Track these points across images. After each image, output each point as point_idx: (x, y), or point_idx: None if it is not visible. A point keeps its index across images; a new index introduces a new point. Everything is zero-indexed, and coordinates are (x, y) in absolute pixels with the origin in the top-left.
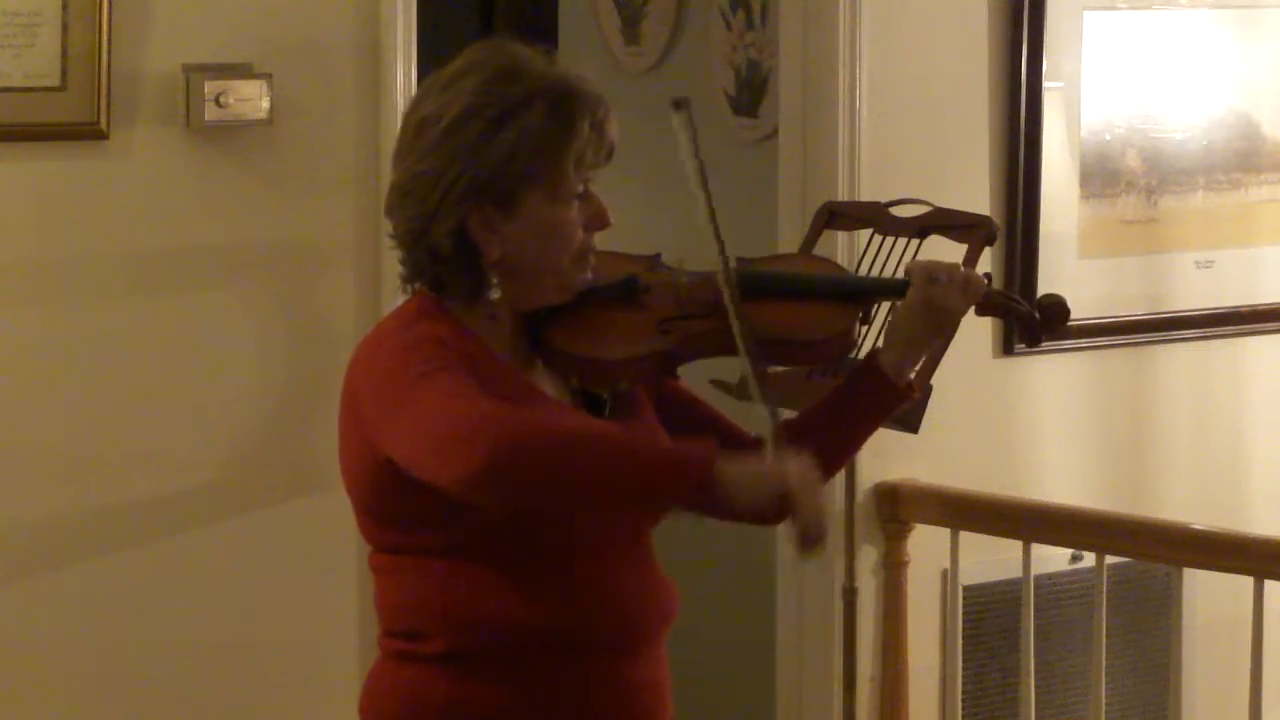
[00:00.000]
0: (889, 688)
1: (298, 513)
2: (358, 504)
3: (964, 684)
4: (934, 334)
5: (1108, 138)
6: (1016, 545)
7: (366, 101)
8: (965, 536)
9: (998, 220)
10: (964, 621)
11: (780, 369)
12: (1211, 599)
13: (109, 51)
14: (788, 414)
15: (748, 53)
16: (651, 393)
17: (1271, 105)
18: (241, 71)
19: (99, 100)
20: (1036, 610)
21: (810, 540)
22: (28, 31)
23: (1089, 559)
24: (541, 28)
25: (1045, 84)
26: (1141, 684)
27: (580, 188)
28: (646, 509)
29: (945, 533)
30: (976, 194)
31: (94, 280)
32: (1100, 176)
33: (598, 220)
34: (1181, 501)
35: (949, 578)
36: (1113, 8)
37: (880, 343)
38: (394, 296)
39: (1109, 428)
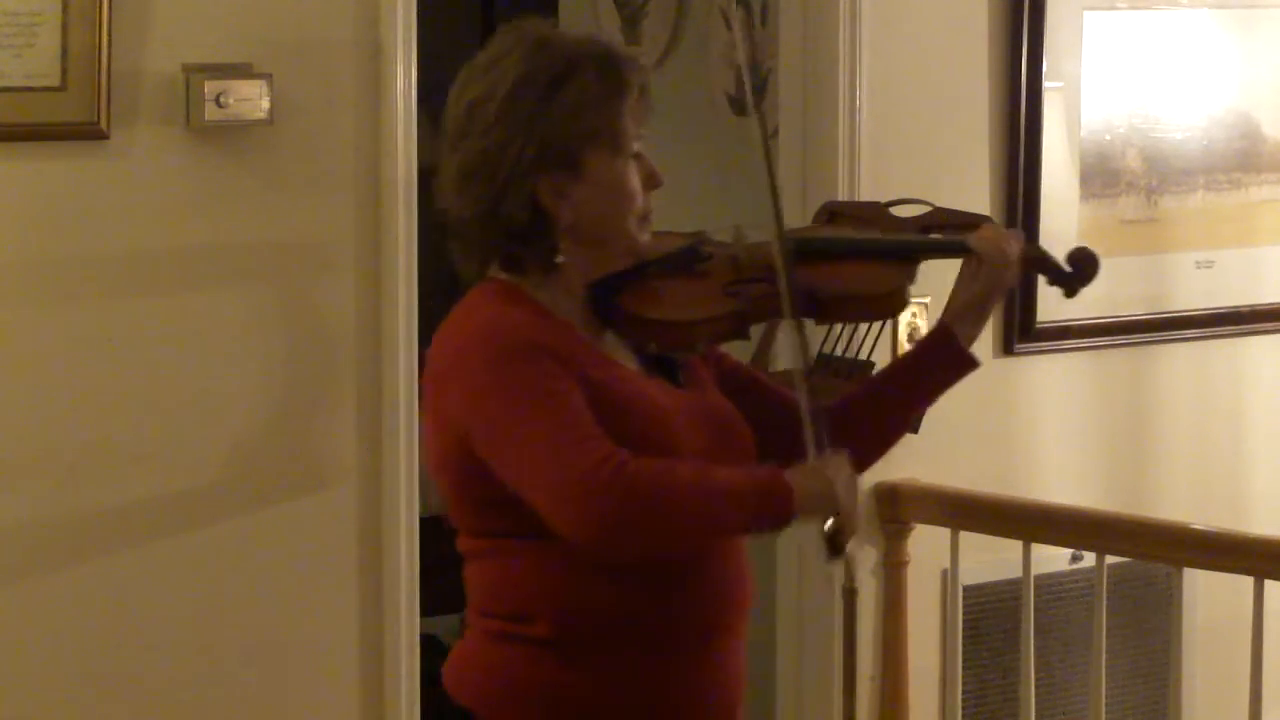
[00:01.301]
0: (889, 688)
1: (298, 512)
2: (448, 491)
3: (964, 684)
4: (996, 300)
5: (1108, 138)
6: (1016, 545)
7: (366, 101)
8: (965, 536)
9: (998, 220)
10: (964, 621)
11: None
12: (1211, 599)
13: (109, 51)
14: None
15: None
16: (709, 364)
17: (1271, 105)
18: (241, 71)
19: (99, 100)
20: (1036, 610)
21: (843, 545)
22: (28, 31)
23: (1089, 559)
24: None
25: (1045, 84)
26: (1141, 684)
27: (636, 145)
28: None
29: (945, 533)
30: (976, 194)
31: (94, 280)
32: (1100, 176)
33: (651, 180)
34: (1181, 501)
35: (949, 578)
36: (1113, 8)
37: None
38: (394, 296)
39: (1109, 428)
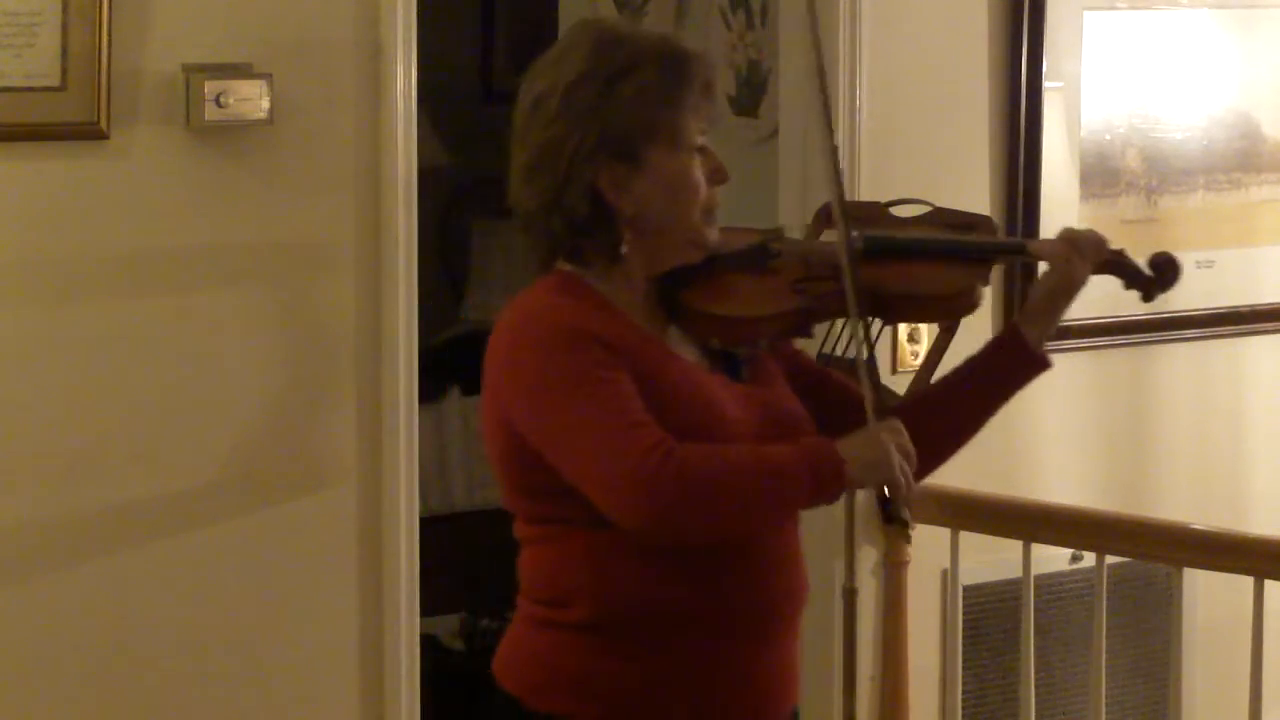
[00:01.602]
0: (889, 688)
1: (298, 512)
2: (503, 478)
3: (964, 684)
4: (1068, 300)
5: (1108, 138)
6: (1016, 545)
7: (366, 101)
8: (965, 536)
9: (998, 220)
10: (964, 621)
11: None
12: (1211, 599)
13: (109, 51)
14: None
15: (748, 53)
16: (780, 359)
17: (1271, 105)
18: (241, 71)
19: (99, 100)
20: (1036, 610)
21: (897, 513)
22: (28, 31)
23: (1089, 559)
24: (542, 27)
25: (1045, 84)
26: (1141, 684)
27: (700, 140)
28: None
29: (945, 533)
30: (976, 194)
31: (94, 280)
32: (1100, 176)
33: (717, 174)
34: (1181, 501)
35: (949, 578)
36: (1113, 8)
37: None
38: (394, 296)
39: (1109, 428)
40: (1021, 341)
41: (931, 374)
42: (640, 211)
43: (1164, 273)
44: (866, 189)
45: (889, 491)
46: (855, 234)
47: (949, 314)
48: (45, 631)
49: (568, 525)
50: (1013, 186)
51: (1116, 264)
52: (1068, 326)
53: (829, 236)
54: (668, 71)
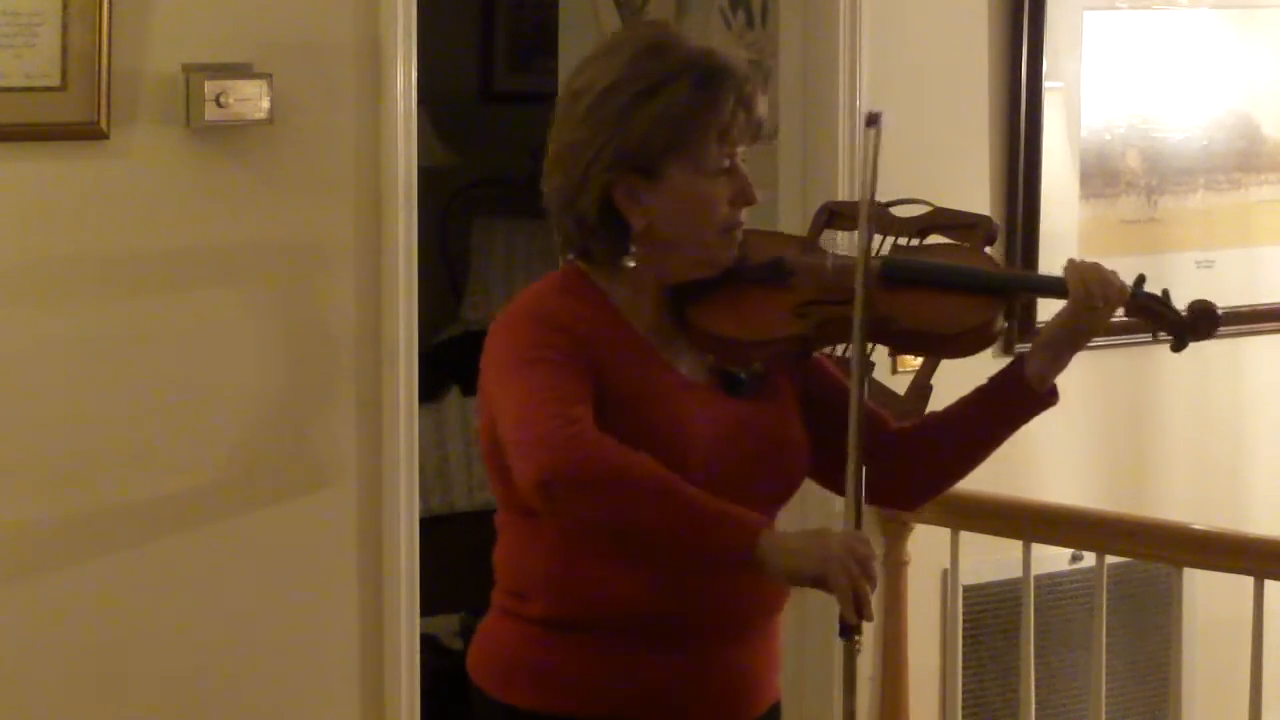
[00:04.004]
0: (889, 688)
1: (298, 512)
2: (488, 465)
3: (964, 684)
4: (1080, 342)
5: (1108, 138)
6: (1016, 545)
7: (366, 101)
8: (965, 536)
9: (998, 220)
10: (964, 621)
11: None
12: (1211, 599)
13: (109, 51)
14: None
15: (747, 53)
16: (795, 371)
17: (1271, 105)
18: (241, 71)
19: (99, 100)
20: (1036, 610)
21: (844, 628)
22: (28, 31)
23: (1089, 559)
24: (542, 28)
25: (1045, 84)
26: (1141, 684)
27: (726, 163)
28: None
29: (945, 533)
30: (976, 194)
31: (94, 280)
32: (1100, 176)
33: (743, 196)
34: (1181, 501)
35: (949, 578)
36: (1113, 8)
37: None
38: (394, 296)
39: (1109, 428)
40: (1022, 380)
41: (931, 374)
42: (651, 226)
43: (1201, 324)
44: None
45: (838, 599)
46: (879, 254)
47: (958, 353)
48: (45, 631)
49: (539, 519)
50: (1013, 186)
51: (1151, 310)
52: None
53: (825, 238)
54: (700, 90)
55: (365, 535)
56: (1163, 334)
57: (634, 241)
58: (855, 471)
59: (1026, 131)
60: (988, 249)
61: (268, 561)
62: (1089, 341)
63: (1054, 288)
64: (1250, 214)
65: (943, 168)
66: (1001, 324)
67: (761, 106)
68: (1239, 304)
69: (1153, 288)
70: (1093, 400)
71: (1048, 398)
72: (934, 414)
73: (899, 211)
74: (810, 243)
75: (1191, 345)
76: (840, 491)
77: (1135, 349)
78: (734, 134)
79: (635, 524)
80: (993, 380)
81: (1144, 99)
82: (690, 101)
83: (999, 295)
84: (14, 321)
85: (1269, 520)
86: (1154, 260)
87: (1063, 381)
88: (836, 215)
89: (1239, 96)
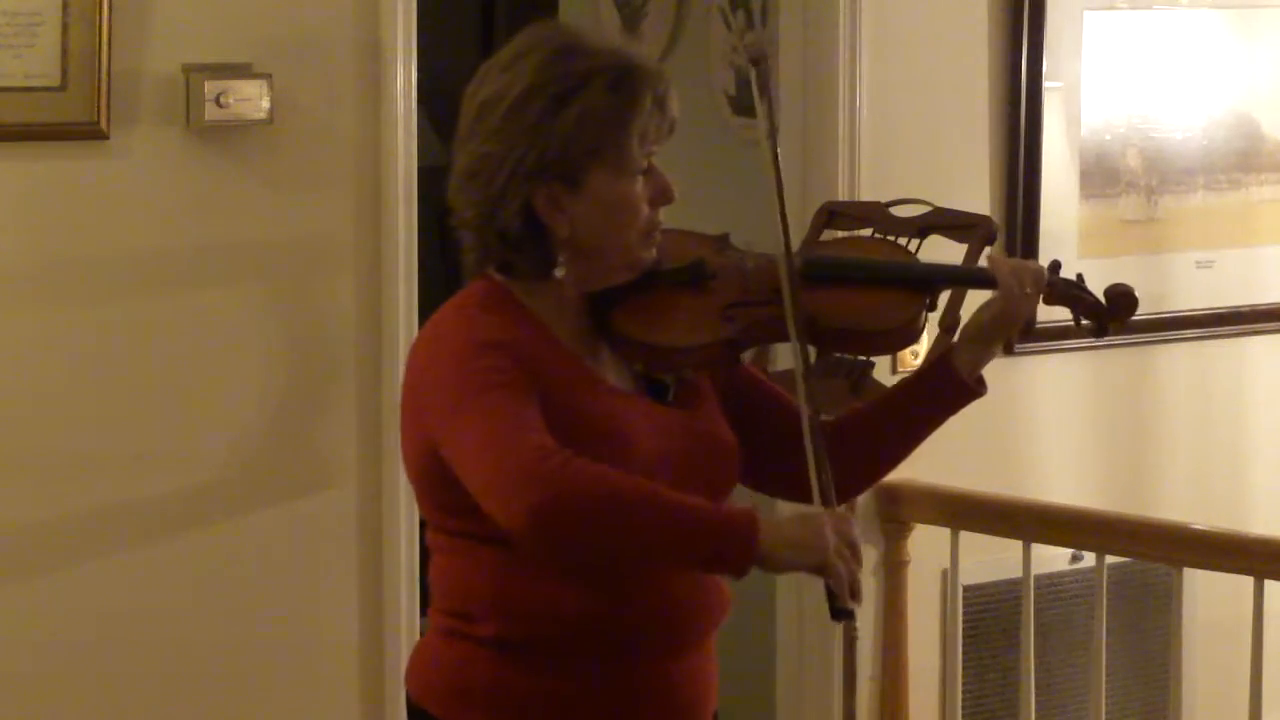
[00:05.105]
0: (889, 688)
1: (298, 512)
2: (416, 488)
3: (964, 684)
4: (1008, 332)
5: (1108, 138)
6: (1016, 545)
7: (366, 101)
8: (965, 536)
9: (998, 220)
10: (964, 621)
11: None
12: (1211, 599)
13: (109, 51)
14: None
15: (747, 53)
16: (718, 376)
17: (1271, 105)
18: (241, 71)
19: (99, 100)
20: (1036, 610)
21: (841, 611)
22: (28, 31)
23: (1089, 559)
24: None
25: (1045, 84)
26: (1141, 684)
27: (645, 163)
28: (689, 571)
29: (945, 533)
30: (976, 194)
31: (94, 280)
32: (1100, 176)
33: (663, 195)
34: (1181, 501)
35: (949, 578)
36: (1113, 8)
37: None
38: (394, 296)
39: (1109, 428)
40: (952, 371)
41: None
42: (575, 233)
43: (1119, 306)
44: (866, 189)
45: (826, 581)
46: (796, 252)
47: (885, 349)
48: (45, 631)
49: (478, 542)
50: (1013, 186)
51: (1069, 296)
52: (1068, 326)
53: (825, 238)
54: (617, 92)
55: (365, 535)
56: (1084, 320)
57: (557, 250)
58: (816, 454)
59: (1026, 131)
60: (988, 249)
61: (268, 561)
62: (1015, 333)
63: (981, 278)
64: (1250, 214)
65: (943, 168)
66: (925, 318)
67: (674, 105)
68: (1239, 304)
69: (1154, 289)
70: (1093, 400)
71: (976, 388)
72: (862, 408)
73: (899, 211)
74: (723, 241)
75: (1188, 344)
76: (768, 492)
77: (1135, 349)
78: (651, 134)
79: (635, 545)
80: (921, 373)
81: (1144, 99)
82: (609, 104)
83: (923, 288)
84: (14, 321)
85: (1269, 520)
86: (1154, 260)
87: (1063, 381)
88: (837, 215)
89: (1239, 96)
